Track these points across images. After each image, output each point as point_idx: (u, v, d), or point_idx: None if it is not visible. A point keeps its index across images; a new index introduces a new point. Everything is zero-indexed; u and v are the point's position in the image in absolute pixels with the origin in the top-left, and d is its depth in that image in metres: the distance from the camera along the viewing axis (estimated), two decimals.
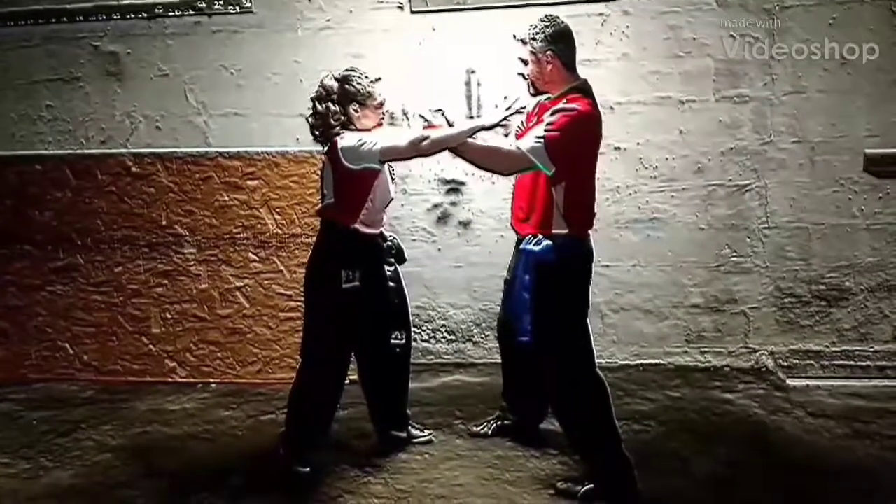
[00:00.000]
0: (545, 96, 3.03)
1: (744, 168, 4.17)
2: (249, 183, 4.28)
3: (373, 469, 3.27)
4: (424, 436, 3.53)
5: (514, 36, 3.01)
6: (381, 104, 3.17)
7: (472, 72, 4.33)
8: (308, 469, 3.22)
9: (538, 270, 2.92)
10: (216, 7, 4.47)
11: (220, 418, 3.88)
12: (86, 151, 4.56)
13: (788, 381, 4.10)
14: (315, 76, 4.39)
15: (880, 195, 4.13)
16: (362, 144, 3.01)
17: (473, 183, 4.44)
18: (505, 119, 2.99)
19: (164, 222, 4.37)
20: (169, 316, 4.39)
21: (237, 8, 4.45)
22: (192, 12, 4.50)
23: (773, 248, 4.24)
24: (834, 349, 4.25)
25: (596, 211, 3.06)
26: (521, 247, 3.00)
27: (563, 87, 2.95)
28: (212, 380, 4.34)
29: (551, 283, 2.92)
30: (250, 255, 4.31)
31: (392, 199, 3.26)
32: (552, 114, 2.85)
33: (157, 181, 4.35)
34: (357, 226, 3.10)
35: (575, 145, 2.84)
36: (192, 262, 4.35)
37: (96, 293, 4.44)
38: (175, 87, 4.58)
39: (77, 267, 4.43)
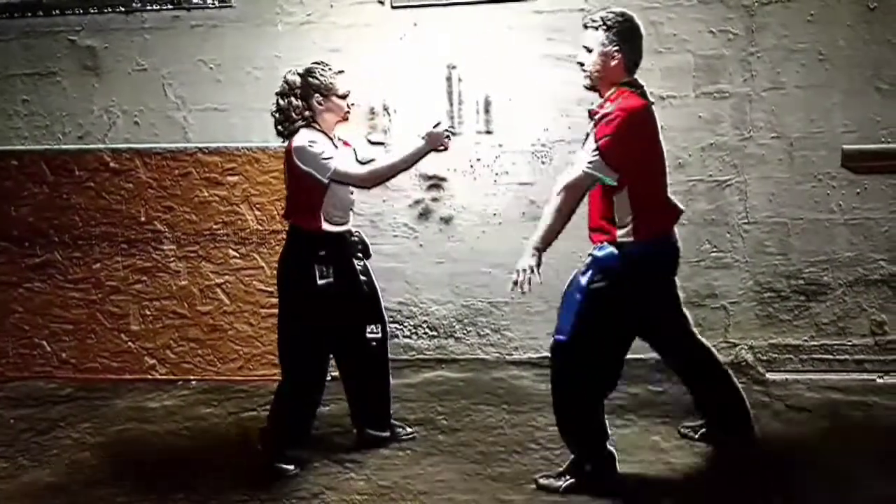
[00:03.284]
0: (596, 104, 2.91)
1: (723, 163, 4.20)
2: (229, 179, 4.26)
3: (354, 465, 3.27)
4: (408, 433, 3.53)
5: (586, 23, 2.90)
6: (345, 95, 3.16)
7: (454, 67, 4.33)
8: (293, 467, 3.21)
9: (594, 275, 2.88)
10: (195, 1, 4.42)
11: (200, 415, 3.86)
12: (63, 147, 4.51)
13: (768, 375, 4.14)
14: None
15: (858, 190, 4.17)
16: (320, 154, 3.02)
17: (455, 179, 4.43)
18: (445, 140, 3.02)
19: (143, 218, 4.33)
20: (148, 313, 4.36)
21: (216, 2, 4.41)
22: (170, 6, 4.45)
23: (753, 243, 4.27)
24: (813, 343, 4.28)
25: (682, 208, 3.03)
26: (589, 252, 2.95)
27: (613, 87, 2.87)
28: (192, 377, 4.32)
29: (603, 287, 2.86)
30: (230, 251, 4.28)
31: (353, 200, 3.26)
32: (595, 125, 2.80)
33: (136, 177, 4.32)
34: (323, 226, 3.12)
35: (628, 148, 2.76)
36: (172, 259, 4.32)
37: (74, 290, 4.39)
38: (153, 82, 4.53)
39: (54, 263, 4.39)
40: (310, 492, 3.07)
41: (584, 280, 2.91)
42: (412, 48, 4.34)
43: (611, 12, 2.86)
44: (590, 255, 2.95)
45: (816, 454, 3.27)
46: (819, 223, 4.21)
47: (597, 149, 2.74)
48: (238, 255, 4.28)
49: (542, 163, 4.35)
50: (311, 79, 3.13)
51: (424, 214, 4.49)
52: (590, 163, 2.77)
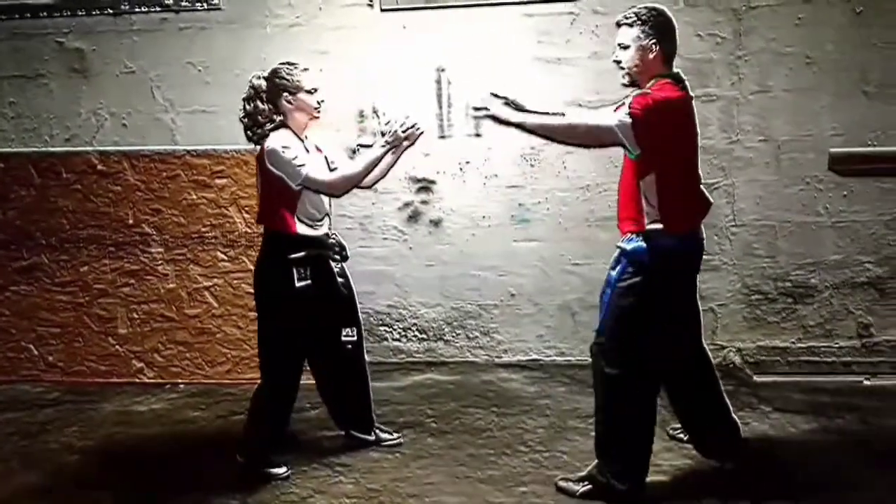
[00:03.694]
0: (635, 92, 2.86)
1: (711, 167, 4.21)
2: (218, 181, 4.25)
3: (343, 468, 3.27)
4: (393, 438, 3.51)
5: (619, 20, 2.89)
6: (313, 91, 3.12)
7: (443, 70, 4.33)
8: (283, 470, 3.21)
9: (624, 268, 2.86)
10: (183, 3, 4.41)
11: (188, 419, 3.85)
12: (50, 149, 4.49)
13: (755, 378, 4.16)
14: None
15: (844, 193, 4.19)
16: (293, 159, 3.00)
17: (444, 181, 4.44)
18: (402, 140, 3.07)
19: (130, 221, 4.31)
20: (136, 316, 4.34)
21: (205, 4, 4.41)
22: (158, 9, 4.45)
23: (741, 245, 4.29)
24: (800, 346, 4.31)
25: (711, 201, 3.00)
26: (617, 244, 2.93)
27: (653, 79, 2.85)
28: (180, 380, 4.30)
29: (635, 282, 2.84)
30: (219, 254, 4.27)
31: (326, 208, 3.23)
32: (636, 95, 2.75)
33: (124, 179, 4.30)
34: (299, 229, 3.10)
35: (660, 128, 2.73)
36: (160, 262, 4.30)
37: (61, 293, 4.37)
38: (141, 85, 4.52)
39: (41, 266, 4.37)
40: (299, 495, 3.07)
41: (614, 275, 2.90)
42: (401, 51, 4.34)
43: (643, 8, 2.86)
44: (618, 247, 2.93)
45: (804, 456, 3.29)
46: (806, 226, 4.23)
47: (630, 114, 2.71)
48: (226, 257, 4.26)
49: (531, 166, 4.36)
50: (276, 79, 3.09)
51: (414, 217, 4.49)
52: (620, 120, 2.73)
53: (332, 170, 3.18)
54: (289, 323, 3.14)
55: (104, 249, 4.34)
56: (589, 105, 4.19)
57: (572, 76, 4.23)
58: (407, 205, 4.47)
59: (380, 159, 3.10)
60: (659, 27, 2.84)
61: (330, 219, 3.27)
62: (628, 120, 2.71)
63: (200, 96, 4.48)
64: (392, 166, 3.29)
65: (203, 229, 4.27)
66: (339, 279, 3.28)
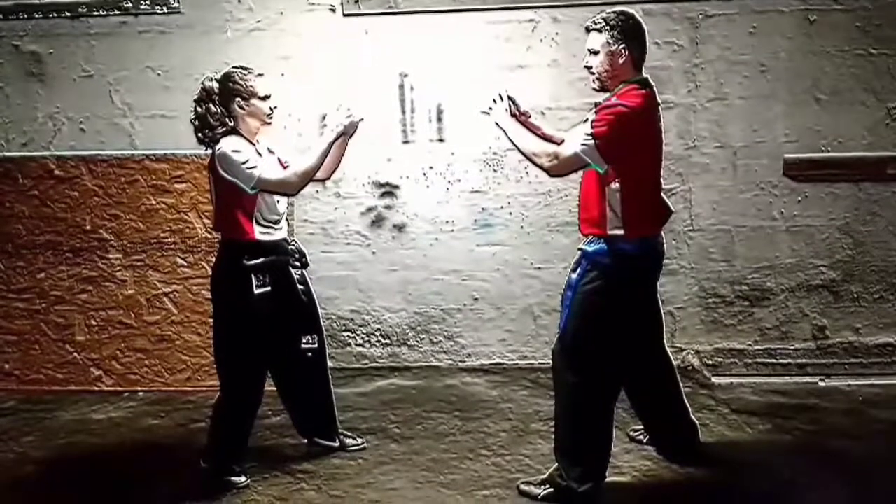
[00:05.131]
0: (604, 96, 2.92)
1: (669, 172, 4.26)
2: (177, 186, 4.21)
3: (305, 475, 3.25)
4: (358, 444, 3.51)
5: (588, 26, 2.91)
6: (266, 97, 3.10)
7: (405, 75, 4.34)
8: (243, 479, 3.18)
9: (586, 270, 2.88)
10: (142, 7, 4.37)
11: (147, 427, 3.81)
12: (6, 154, 4.42)
13: (713, 379, 4.22)
14: None
15: (799, 198, 4.28)
16: (244, 162, 2.97)
17: (408, 186, 4.44)
18: (349, 126, 3.09)
19: (88, 227, 4.25)
20: (94, 323, 4.28)
21: (164, 8, 4.36)
22: (117, 12, 4.39)
23: (698, 249, 4.36)
24: (756, 348, 4.39)
25: (674, 209, 3.07)
26: (579, 246, 2.96)
27: (623, 84, 2.88)
28: (139, 388, 4.25)
29: (596, 285, 2.87)
30: (178, 259, 4.23)
31: (283, 210, 3.20)
32: (597, 112, 2.80)
33: (82, 184, 4.24)
34: (257, 235, 3.07)
35: (625, 141, 2.77)
36: (118, 268, 4.25)
37: (18, 300, 4.30)
38: (100, 88, 4.46)
39: None
40: (260, 503, 3.05)
41: (575, 277, 2.93)
42: (364, 56, 4.34)
43: (612, 13, 2.88)
44: (579, 249, 2.96)
45: (760, 456, 3.34)
46: (762, 230, 4.32)
47: (591, 135, 2.76)
48: (186, 263, 4.22)
49: (494, 171, 4.39)
50: (229, 83, 3.06)
51: (377, 222, 4.49)
52: (583, 144, 2.77)
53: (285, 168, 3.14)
54: (248, 331, 3.09)
55: (61, 255, 4.27)
56: (548, 111, 4.25)
57: (531, 83, 4.27)
58: (370, 209, 4.47)
59: (329, 148, 3.07)
60: (628, 32, 2.87)
61: (289, 223, 3.24)
62: (592, 142, 2.75)
63: (159, 100, 4.43)
64: (341, 157, 3.27)
65: (162, 235, 4.23)
66: (300, 286, 3.27)
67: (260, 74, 3.12)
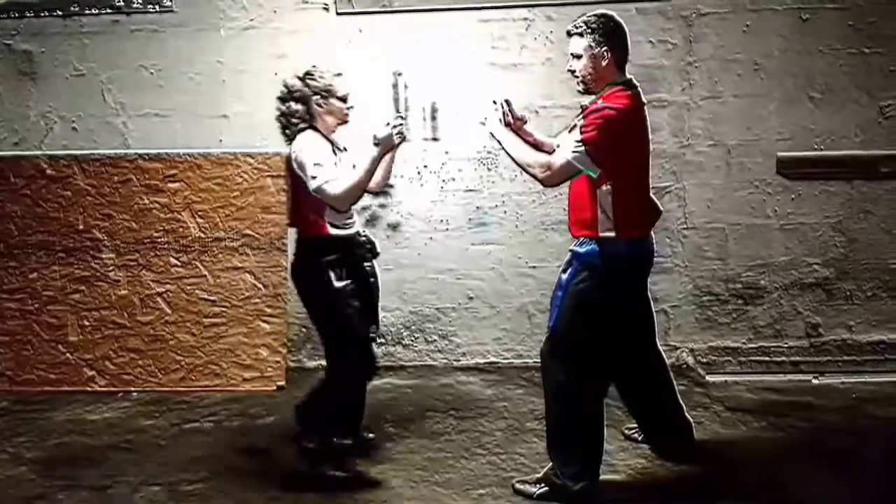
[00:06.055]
0: (589, 99, 2.93)
1: (663, 171, 4.28)
2: (171, 185, 4.19)
3: (302, 475, 3.23)
4: (371, 437, 3.55)
5: (570, 30, 2.92)
6: (345, 97, 3.16)
7: (399, 74, 4.33)
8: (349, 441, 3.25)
9: (577, 271, 2.89)
10: (135, 5, 4.35)
11: (141, 428, 3.78)
12: None
13: (707, 377, 4.23)
14: (238, 76, 4.39)
15: (792, 196, 4.29)
16: (313, 164, 2.99)
17: (402, 185, 4.44)
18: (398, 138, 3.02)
19: (81, 226, 4.23)
20: (87, 323, 4.26)
21: (157, 7, 4.35)
22: (109, 10, 4.38)
23: (692, 248, 4.36)
24: (750, 346, 4.40)
25: (663, 210, 3.09)
26: (570, 248, 2.96)
27: (606, 87, 2.89)
28: (132, 388, 4.23)
29: (587, 285, 2.88)
30: (171, 259, 4.21)
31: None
32: (585, 117, 2.81)
33: (74, 184, 4.22)
34: (330, 231, 3.11)
35: (615, 145, 2.78)
36: (111, 268, 4.23)
37: (10, 300, 4.27)
38: (92, 87, 4.45)
39: None
40: (256, 502, 3.04)
41: (565, 277, 2.93)
42: (358, 55, 4.33)
43: (592, 15, 2.89)
44: (570, 250, 2.96)
45: (755, 453, 3.35)
46: (755, 228, 4.33)
47: (581, 142, 2.76)
48: (179, 263, 4.21)
49: (489, 169, 4.39)
50: (309, 81, 3.13)
51: (372, 221, 4.48)
52: (574, 152, 2.78)
53: None
54: (341, 310, 3.12)
55: (54, 255, 4.25)
56: (542, 109, 4.25)
57: (526, 82, 4.27)
58: (365, 208, 4.46)
59: (378, 161, 3.05)
60: (609, 34, 2.87)
61: (358, 216, 3.27)
62: (583, 149, 2.76)
63: (153, 99, 4.42)
64: (391, 169, 3.35)
65: (155, 234, 4.21)
66: (371, 278, 3.30)
67: (338, 74, 3.18)
